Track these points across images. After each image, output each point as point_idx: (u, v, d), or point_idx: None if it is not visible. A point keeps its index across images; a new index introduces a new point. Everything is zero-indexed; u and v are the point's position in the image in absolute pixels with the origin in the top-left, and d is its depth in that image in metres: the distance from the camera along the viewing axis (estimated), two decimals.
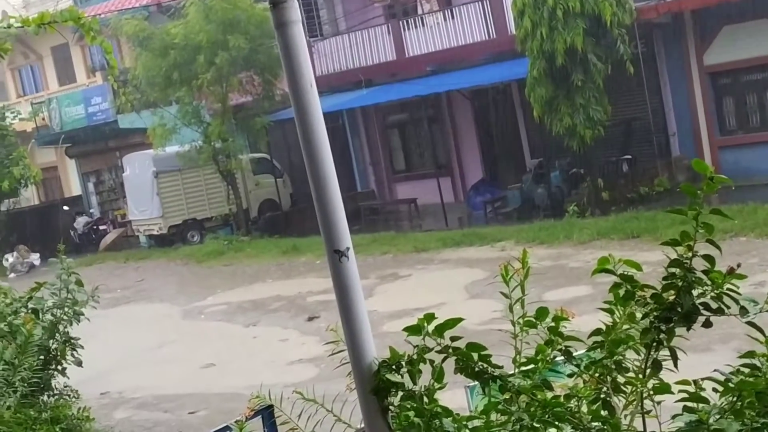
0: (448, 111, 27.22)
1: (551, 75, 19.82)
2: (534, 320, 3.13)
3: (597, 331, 3.07)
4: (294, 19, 2.86)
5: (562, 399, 3.00)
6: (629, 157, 22.20)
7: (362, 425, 3.14)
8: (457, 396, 3.85)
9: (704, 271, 2.87)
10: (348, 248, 2.95)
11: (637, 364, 3.03)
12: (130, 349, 16.75)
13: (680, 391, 2.87)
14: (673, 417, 2.83)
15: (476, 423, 3.03)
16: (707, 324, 2.89)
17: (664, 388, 2.96)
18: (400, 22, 26.22)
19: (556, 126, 20.09)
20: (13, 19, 6.61)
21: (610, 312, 3.07)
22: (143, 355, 16.33)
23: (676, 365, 2.94)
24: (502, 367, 3.02)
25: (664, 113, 22.60)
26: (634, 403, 3.05)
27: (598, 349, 3.06)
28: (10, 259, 31.80)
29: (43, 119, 34.86)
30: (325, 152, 2.92)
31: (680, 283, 2.87)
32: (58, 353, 9.34)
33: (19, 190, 34.04)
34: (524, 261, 3.25)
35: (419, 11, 26.76)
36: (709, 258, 2.87)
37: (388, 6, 27.70)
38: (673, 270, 2.90)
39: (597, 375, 3.04)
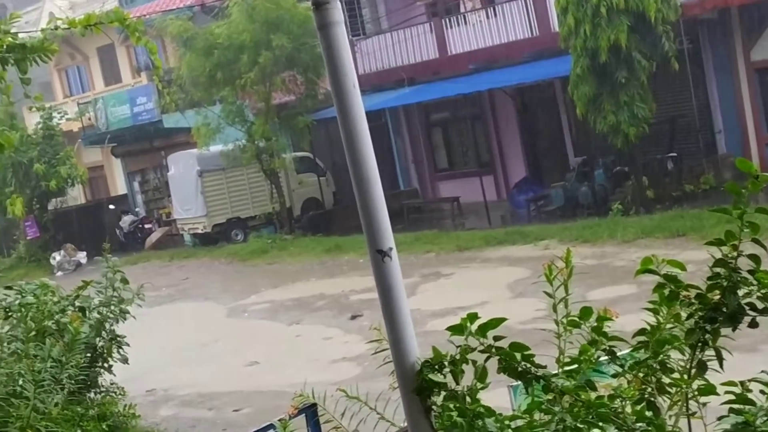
0: (491, 109, 27.14)
1: (595, 72, 19.67)
2: (578, 320, 3.12)
3: (641, 331, 3.05)
4: (337, 20, 2.87)
5: (606, 399, 2.98)
6: (674, 154, 21.97)
7: (405, 424, 3.15)
8: (499, 395, 3.84)
9: (750, 271, 2.84)
10: (391, 248, 2.96)
11: (682, 364, 3.01)
12: (175, 347, 16.89)
13: (726, 392, 2.84)
14: (719, 419, 2.81)
15: (519, 423, 3.03)
16: (753, 324, 2.87)
17: (709, 389, 2.93)
18: (443, 21, 26.18)
19: (599, 124, 19.94)
20: (60, 21, 6.70)
21: (655, 312, 3.05)
22: (188, 352, 16.47)
23: (721, 366, 2.91)
24: (545, 367, 3.01)
25: (710, 110, 22.34)
26: (679, 404, 3.03)
27: (643, 350, 3.04)
28: (57, 257, 32.23)
29: (90, 119, 35.24)
30: (368, 153, 2.93)
31: (725, 283, 2.85)
32: (105, 351, 9.46)
33: (66, 190, 34.43)
34: (568, 260, 3.24)
35: (462, 9, 26.70)
36: (754, 258, 2.84)
37: (431, 4, 27.68)
38: (717, 270, 2.88)
39: (641, 375, 3.02)
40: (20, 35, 6.82)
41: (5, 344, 7.31)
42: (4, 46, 6.50)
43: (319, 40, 2.93)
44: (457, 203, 26.12)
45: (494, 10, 24.88)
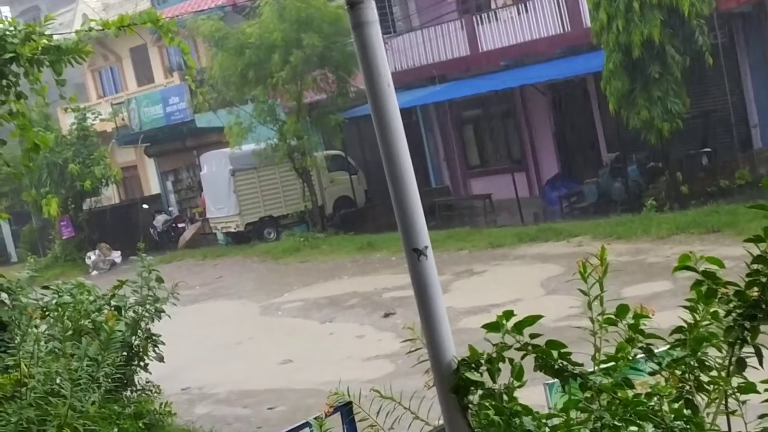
0: (523, 105, 27.04)
1: (628, 68, 19.55)
2: (614, 317, 3.11)
3: (679, 329, 3.03)
4: (371, 19, 2.87)
5: (643, 397, 2.97)
6: (709, 149, 21.78)
7: (440, 422, 3.15)
8: (534, 393, 3.83)
9: None
10: (426, 247, 2.96)
11: (720, 361, 2.99)
12: (210, 345, 16.98)
13: (767, 390, 2.82)
14: (760, 417, 2.79)
15: (556, 421, 3.02)
16: None
17: (749, 387, 2.91)
18: (474, 17, 26.13)
19: (633, 119, 19.82)
20: (94, 22, 6.76)
21: (692, 309, 3.03)
22: (222, 351, 16.55)
23: (761, 363, 2.89)
24: (582, 365, 3.00)
25: (744, 105, 22.13)
26: (717, 401, 3.01)
27: (680, 347, 3.02)
28: (92, 256, 32.52)
29: (123, 119, 35.50)
30: (403, 152, 2.93)
31: (764, 280, 2.82)
32: (140, 349, 9.54)
33: (101, 189, 34.72)
34: (603, 258, 3.22)
35: (492, 6, 26.62)
36: None
37: (461, 1, 27.63)
38: (756, 266, 2.85)
39: (679, 373, 3.00)
40: (55, 37, 6.89)
41: (43, 343, 7.40)
42: (39, 48, 6.57)
43: (354, 40, 2.93)
44: (489, 200, 26.06)
45: (525, 6, 24.77)
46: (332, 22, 26.02)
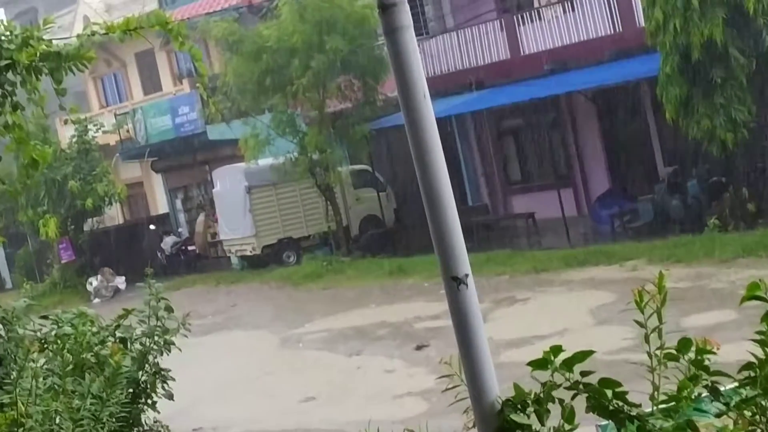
0: (569, 114, 27.02)
1: (686, 72, 19.50)
2: (675, 352, 3.08)
3: (748, 365, 3.01)
4: (405, 24, 2.88)
5: None
6: None
7: None
8: None
9: None
10: (467, 275, 2.96)
11: None
12: (224, 381, 17.02)
13: None
14: None
15: None
16: None
17: None
18: (514, 17, 26.16)
19: (692, 129, 19.76)
20: (97, 26, 6.82)
21: (763, 343, 3.01)
22: (238, 386, 16.58)
23: None
24: (639, 406, 2.99)
25: None
26: None
27: (749, 386, 3.00)
28: (94, 282, 32.68)
29: (128, 131, 35.75)
30: (441, 169, 2.93)
31: None
32: (148, 386, 9.52)
33: (103, 208, 34.86)
34: (661, 285, 3.20)
35: (535, 4, 26.65)
36: None
37: None
38: None
39: (749, 414, 2.98)
40: (54, 42, 6.95)
41: (41, 379, 7.43)
42: (38, 55, 6.64)
43: (387, 46, 2.94)
44: (533, 220, 26.03)
45: (572, 4, 24.77)
46: (358, 23, 26.11)
